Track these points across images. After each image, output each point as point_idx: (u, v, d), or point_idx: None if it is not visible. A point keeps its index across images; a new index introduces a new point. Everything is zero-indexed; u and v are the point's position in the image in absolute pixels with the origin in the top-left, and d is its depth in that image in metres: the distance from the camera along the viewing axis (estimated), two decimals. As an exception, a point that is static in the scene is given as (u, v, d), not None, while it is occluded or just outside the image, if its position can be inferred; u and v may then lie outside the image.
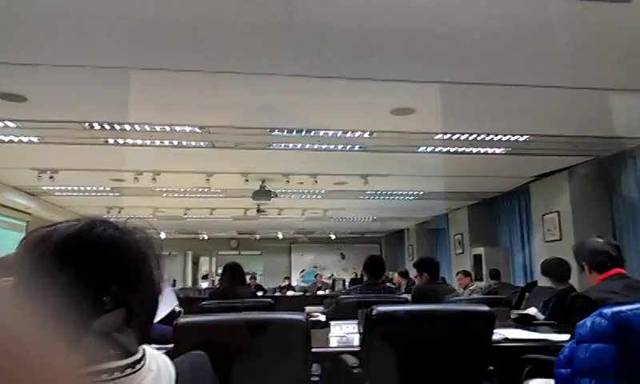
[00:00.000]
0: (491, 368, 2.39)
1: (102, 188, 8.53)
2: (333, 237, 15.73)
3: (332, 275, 15.51)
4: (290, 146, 5.95)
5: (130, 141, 5.60)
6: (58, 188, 8.32)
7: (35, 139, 5.49)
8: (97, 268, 0.79)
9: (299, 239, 16.61)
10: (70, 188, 8.49)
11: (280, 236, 15.40)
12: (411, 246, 14.00)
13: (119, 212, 10.20)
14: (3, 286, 0.82)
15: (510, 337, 2.91)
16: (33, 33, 3.17)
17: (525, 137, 5.62)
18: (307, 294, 11.44)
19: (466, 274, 7.33)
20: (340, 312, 3.74)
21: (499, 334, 2.83)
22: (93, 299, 0.77)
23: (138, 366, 0.82)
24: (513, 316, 3.97)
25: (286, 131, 5.39)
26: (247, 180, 7.67)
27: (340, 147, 6.00)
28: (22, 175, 7.41)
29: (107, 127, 5.07)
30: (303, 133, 5.44)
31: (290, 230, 15.05)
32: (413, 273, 7.53)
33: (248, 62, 3.65)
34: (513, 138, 5.66)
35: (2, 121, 4.86)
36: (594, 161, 6.74)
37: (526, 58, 3.70)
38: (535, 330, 3.34)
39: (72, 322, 0.75)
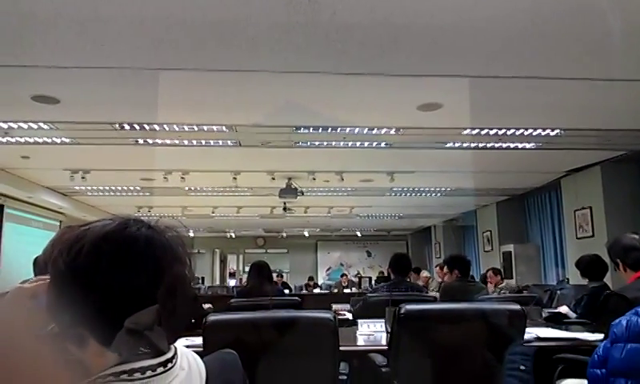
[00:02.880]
0: (523, 368, 2.34)
1: (132, 187, 8.70)
2: (359, 234, 15.70)
3: (358, 273, 15.50)
4: (316, 143, 5.95)
5: (159, 141, 5.69)
6: (89, 188, 8.53)
7: (67, 140, 5.62)
8: (131, 267, 0.80)
9: (325, 237, 16.63)
10: (101, 188, 8.68)
11: (306, 234, 15.45)
12: (438, 243, 13.86)
13: (149, 211, 10.39)
14: (40, 285, 0.84)
15: (541, 336, 2.86)
16: (64, 36, 3.24)
17: (555, 131, 5.49)
18: (334, 291, 11.45)
19: (496, 272, 7.14)
20: (367, 310, 3.73)
21: (531, 333, 2.78)
22: (127, 298, 0.78)
23: (169, 365, 0.82)
24: (544, 314, 3.89)
25: (311, 129, 5.40)
26: (273, 178, 7.71)
27: (366, 144, 5.98)
28: (55, 176, 7.61)
29: (137, 127, 5.17)
30: (329, 130, 5.43)
31: (316, 228, 15.08)
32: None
33: (273, 60, 3.66)
34: (543, 133, 5.54)
35: (36, 122, 4.99)
36: (627, 155, 6.55)
37: (556, 50, 3.61)
38: (567, 329, 3.27)
39: (106, 320, 0.77)
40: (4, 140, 5.50)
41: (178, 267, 0.85)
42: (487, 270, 7.37)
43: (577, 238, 7.47)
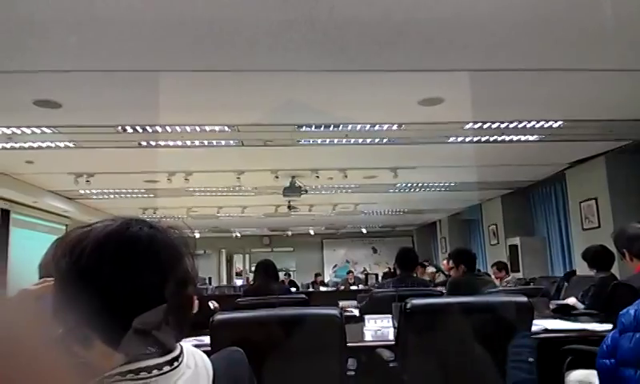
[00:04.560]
0: (531, 360, 2.33)
1: (136, 190, 8.71)
2: (364, 231, 15.68)
3: (365, 269, 15.50)
4: (319, 141, 5.94)
5: (161, 142, 5.70)
6: (94, 191, 8.55)
7: (71, 144, 5.64)
8: (134, 266, 0.80)
9: (331, 234, 16.63)
10: (105, 191, 8.70)
11: (312, 232, 15.45)
12: (444, 238, 13.84)
13: (154, 212, 10.41)
14: (44, 287, 0.84)
15: (549, 328, 2.85)
16: (65, 40, 3.24)
17: (558, 123, 5.47)
18: (341, 288, 11.44)
19: (500, 267, 7.00)
20: (374, 306, 3.73)
21: (539, 325, 2.77)
22: (131, 298, 0.78)
23: (175, 364, 0.83)
24: (552, 306, 3.88)
25: (313, 127, 5.39)
26: (277, 177, 7.70)
27: (368, 141, 5.96)
28: (59, 180, 7.63)
29: (139, 130, 5.17)
30: (331, 128, 5.42)
31: (321, 226, 15.08)
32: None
33: (273, 59, 3.66)
34: (546, 125, 5.51)
35: (39, 127, 5.01)
36: (631, 145, 6.51)
37: (556, 42, 3.58)
38: (575, 320, 3.26)
39: (111, 320, 0.77)
40: (8, 145, 5.52)
41: (181, 266, 0.85)
42: (492, 265, 7.30)
43: (583, 230, 7.44)
